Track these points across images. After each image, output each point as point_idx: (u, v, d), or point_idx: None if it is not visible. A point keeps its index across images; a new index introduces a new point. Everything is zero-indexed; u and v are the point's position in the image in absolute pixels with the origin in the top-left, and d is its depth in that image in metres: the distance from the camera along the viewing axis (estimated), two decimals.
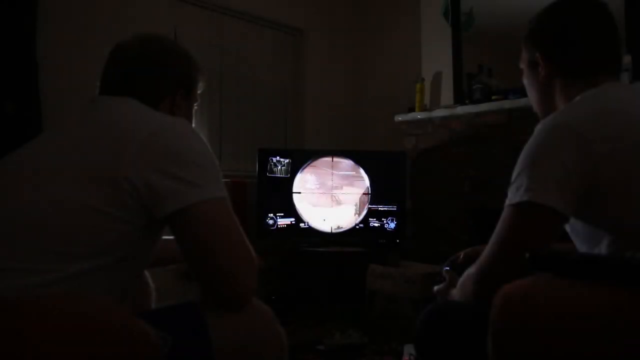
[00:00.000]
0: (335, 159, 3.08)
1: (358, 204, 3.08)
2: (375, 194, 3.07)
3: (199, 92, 1.20)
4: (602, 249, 0.94)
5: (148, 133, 0.92)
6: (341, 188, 3.07)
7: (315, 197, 3.06)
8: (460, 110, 2.96)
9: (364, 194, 3.07)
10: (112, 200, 0.88)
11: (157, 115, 0.99)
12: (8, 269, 0.84)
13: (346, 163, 3.09)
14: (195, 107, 1.20)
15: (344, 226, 3.06)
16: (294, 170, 3.03)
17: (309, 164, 3.05)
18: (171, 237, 0.96)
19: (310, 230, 3.04)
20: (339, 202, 3.08)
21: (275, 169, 3.01)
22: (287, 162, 3.03)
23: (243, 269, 0.92)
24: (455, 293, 1.10)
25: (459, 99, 3.07)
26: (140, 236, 0.94)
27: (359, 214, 3.07)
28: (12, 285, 0.82)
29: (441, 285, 1.23)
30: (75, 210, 0.87)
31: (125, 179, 0.88)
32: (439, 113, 3.07)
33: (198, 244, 0.92)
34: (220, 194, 0.94)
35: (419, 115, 3.17)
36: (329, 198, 3.07)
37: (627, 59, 2.29)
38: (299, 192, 3.04)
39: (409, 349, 2.02)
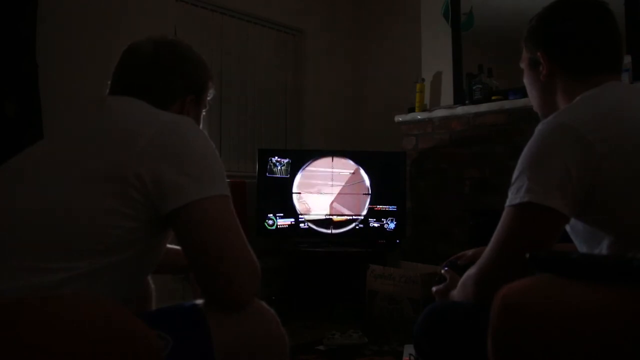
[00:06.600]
0: (335, 159, 3.08)
1: (358, 204, 3.08)
2: (375, 194, 3.07)
3: (208, 98, 1.20)
4: (603, 249, 0.94)
5: (155, 131, 0.93)
6: (341, 188, 3.08)
7: (315, 197, 3.06)
8: (460, 110, 2.96)
9: (363, 194, 3.07)
10: (119, 197, 0.88)
11: (163, 114, 1.00)
12: (16, 269, 0.84)
13: (346, 163, 3.09)
14: (204, 114, 1.21)
15: (343, 226, 3.06)
16: (293, 170, 3.03)
17: (309, 164, 3.05)
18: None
19: (310, 230, 3.04)
20: (338, 202, 3.08)
21: (275, 169, 3.01)
22: (287, 162, 3.03)
23: (241, 270, 0.91)
24: (456, 293, 1.10)
25: (459, 99, 3.07)
26: (147, 235, 0.94)
27: (359, 214, 3.07)
28: (19, 285, 0.82)
29: (440, 286, 1.23)
30: (82, 209, 0.88)
31: (135, 176, 0.88)
32: (439, 113, 3.07)
33: (196, 242, 0.91)
34: (222, 192, 0.94)
35: (419, 115, 3.17)
36: (329, 198, 3.07)
37: (627, 59, 2.30)
38: (299, 193, 3.04)
39: (409, 349, 2.02)
